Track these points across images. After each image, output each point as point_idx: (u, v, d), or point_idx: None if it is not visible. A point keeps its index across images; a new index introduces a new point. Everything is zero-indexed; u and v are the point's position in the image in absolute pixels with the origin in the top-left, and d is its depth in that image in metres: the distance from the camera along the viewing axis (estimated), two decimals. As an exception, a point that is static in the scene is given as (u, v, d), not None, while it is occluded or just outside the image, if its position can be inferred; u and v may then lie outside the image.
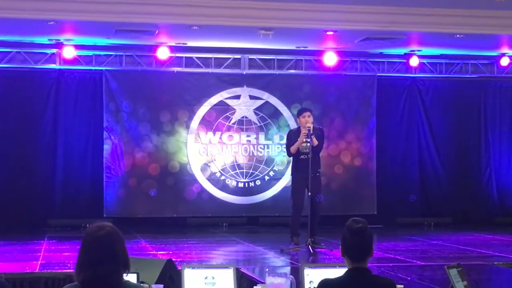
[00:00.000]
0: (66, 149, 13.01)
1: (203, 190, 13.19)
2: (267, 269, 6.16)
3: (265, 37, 11.35)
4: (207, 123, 13.26)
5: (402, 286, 4.85)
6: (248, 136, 13.40)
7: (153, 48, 12.61)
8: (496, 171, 14.30)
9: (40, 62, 12.72)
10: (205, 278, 4.66)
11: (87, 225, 11.82)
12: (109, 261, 3.25)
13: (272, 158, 13.42)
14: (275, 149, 13.43)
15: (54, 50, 12.58)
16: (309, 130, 9.62)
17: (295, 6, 10.71)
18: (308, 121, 9.79)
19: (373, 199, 13.61)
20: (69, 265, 8.05)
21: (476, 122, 14.34)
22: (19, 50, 12.54)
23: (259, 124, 13.41)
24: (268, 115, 13.42)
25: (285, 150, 12.87)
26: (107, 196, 12.81)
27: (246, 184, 13.33)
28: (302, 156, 9.79)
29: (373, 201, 13.59)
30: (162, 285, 4.95)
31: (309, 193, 9.57)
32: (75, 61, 12.65)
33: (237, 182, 13.31)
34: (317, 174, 9.86)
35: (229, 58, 13.34)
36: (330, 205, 11.88)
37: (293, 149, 9.86)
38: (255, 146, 13.41)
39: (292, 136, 10.06)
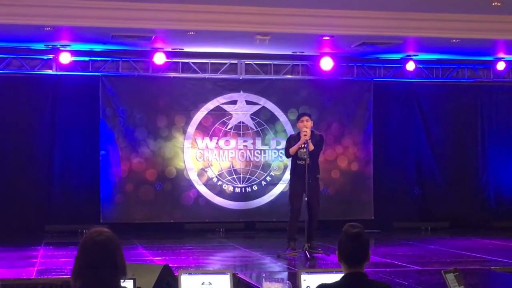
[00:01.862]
0: (63, 155, 13.02)
1: (200, 195, 13.18)
2: (264, 275, 6.16)
3: (261, 42, 11.36)
4: (204, 129, 13.25)
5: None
6: (244, 141, 13.40)
7: (150, 53, 12.61)
8: (493, 175, 14.31)
9: (36, 68, 12.72)
10: (202, 283, 4.66)
11: (84, 230, 11.93)
12: (107, 266, 3.23)
13: (269, 163, 13.42)
14: (272, 154, 13.43)
15: (50, 56, 12.57)
16: (306, 142, 9.62)
17: (292, 11, 10.73)
18: (306, 125, 9.78)
19: (370, 203, 13.61)
20: (66, 271, 8.02)
21: (473, 126, 14.36)
22: (15, 56, 12.55)
23: (255, 129, 13.41)
24: (264, 120, 13.42)
25: (281, 154, 12.99)
26: (104, 202, 12.79)
27: (243, 189, 13.32)
28: (299, 162, 9.78)
29: (370, 206, 13.59)
30: (159, 291, 4.95)
31: (306, 198, 9.58)
32: (71, 66, 12.64)
33: (234, 187, 13.30)
34: (316, 179, 9.86)
35: (226, 63, 13.35)
36: (327, 210, 11.86)
37: (292, 150, 9.86)
38: (252, 151, 13.41)
39: (292, 141, 10.06)
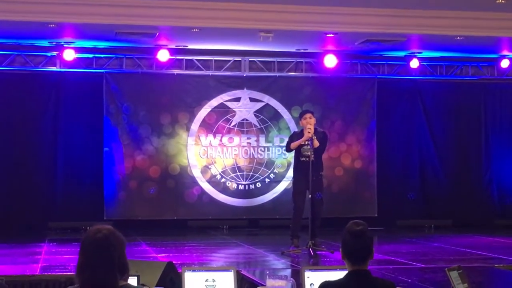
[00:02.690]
0: (66, 152, 13.03)
1: (203, 192, 13.18)
2: (268, 272, 6.14)
3: (265, 39, 11.36)
4: (208, 126, 13.25)
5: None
6: (248, 138, 13.40)
7: (154, 50, 12.61)
8: (496, 173, 14.30)
9: (40, 65, 12.72)
10: (206, 280, 4.66)
11: (88, 227, 11.89)
12: (104, 264, 3.22)
13: (272, 161, 13.42)
14: (276, 152, 13.43)
15: (54, 53, 12.57)
16: (310, 139, 9.61)
17: (295, 8, 10.72)
18: (309, 122, 9.79)
19: (374, 201, 13.60)
20: (69, 268, 8.04)
21: (476, 124, 14.34)
22: (19, 53, 12.55)
23: (259, 127, 13.41)
24: (268, 117, 13.42)
25: (285, 152, 12.97)
26: (108, 199, 12.80)
27: (247, 186, 13.33)
28: (303, 159, 9.78)
29: (374, 204, 13.58)
30: (163, 288, 4.95)
31: (310, 195, 9.58)
32: (75, 63, 12.63)
33: (238, 184, 13.31)
34: (319, 176, 9.85)
35: (229, 60, 13.34)
36: (330, 207, 11.85)
37: (293, 145, 9.87)
38: (256, 148, 13.41)
39: (295, 138, 10.07)
